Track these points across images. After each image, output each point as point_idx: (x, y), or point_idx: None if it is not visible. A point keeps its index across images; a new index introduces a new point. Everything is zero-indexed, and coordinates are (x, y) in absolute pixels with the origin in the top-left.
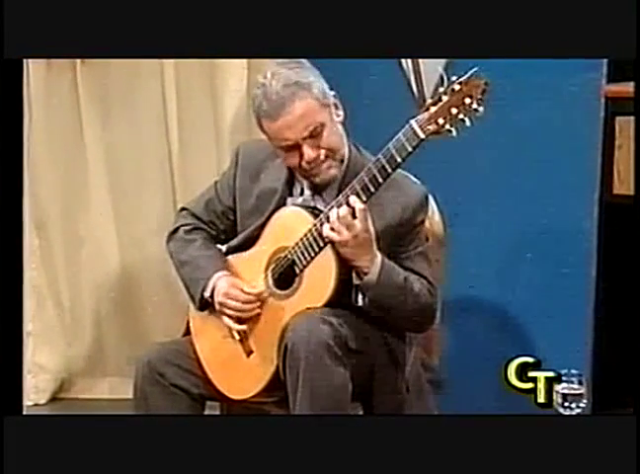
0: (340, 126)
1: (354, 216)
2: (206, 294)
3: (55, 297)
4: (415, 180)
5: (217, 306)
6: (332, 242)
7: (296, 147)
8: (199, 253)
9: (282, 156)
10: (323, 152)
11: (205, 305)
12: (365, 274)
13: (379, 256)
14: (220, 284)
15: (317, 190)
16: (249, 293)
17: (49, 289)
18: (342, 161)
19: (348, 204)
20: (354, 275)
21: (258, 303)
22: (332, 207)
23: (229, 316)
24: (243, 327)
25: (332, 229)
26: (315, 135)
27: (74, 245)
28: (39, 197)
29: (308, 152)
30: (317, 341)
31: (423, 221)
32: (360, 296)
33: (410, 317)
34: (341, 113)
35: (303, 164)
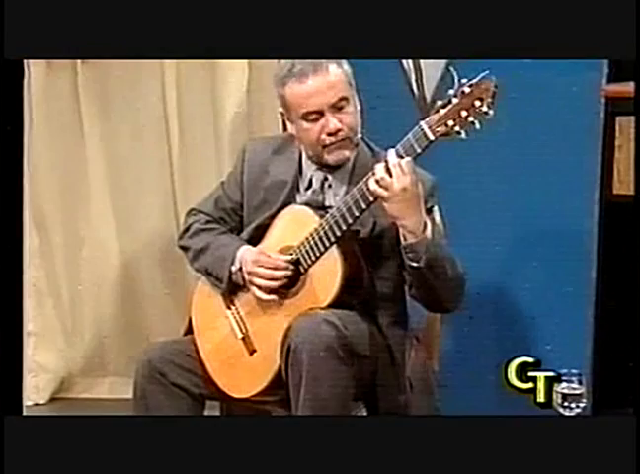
0: (358, 114)
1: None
2: (235, 267)
3: (55, 297)
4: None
5: (247, 276)
6: (379, 197)
7: (318, 117)
8: (218, 237)
9: (302, 130)
10: (345, 129)
11: (234, 283)
12: (415, 234)
13: (426, 217)
14: (248, 254)
15: (326, 175)
16: (279, 259)
17: (49, 289)
18: (356, 145)
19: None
20: (401, 237)
21: (288, 271)
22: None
23: (259, 286)
24: (273, 297)
25: (379, 184)
26: (339, 108)
27: (74, 245)
28: (39, 197)
29: (334, 122)
30: (320, 342)
31: (433, 206)
32: (414, 258)
33: (451, 287)
34: (358, 103)
35: (323, 136)
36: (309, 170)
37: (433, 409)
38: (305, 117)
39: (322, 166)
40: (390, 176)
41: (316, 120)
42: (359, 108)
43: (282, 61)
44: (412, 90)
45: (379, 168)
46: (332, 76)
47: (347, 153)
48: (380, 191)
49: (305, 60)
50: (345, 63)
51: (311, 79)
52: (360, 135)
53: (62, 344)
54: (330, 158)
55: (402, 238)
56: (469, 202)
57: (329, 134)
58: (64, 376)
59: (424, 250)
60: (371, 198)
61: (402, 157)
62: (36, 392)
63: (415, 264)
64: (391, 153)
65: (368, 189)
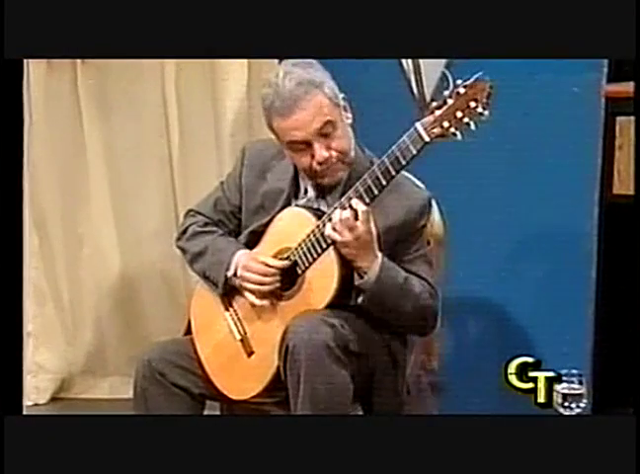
0: (349, 129)
1: (356, 218)
2: (230, 273)
3: (55, 297)
4: (419, 183)
5: (239, 281)
6: (334, 242)
7: (307, 147)
8: (215, 240)
9: (292, 157)
10: (335, 154)
11: (230, 287)
12: (367, 274)
13: (380, 256)
14: (242, 260)
15: (322, 191)
16: (271, 266)
17: (49, 289)
18: (350, 164)
19: (351, 207)
20: (355, 274)
21: (277, 277)
22: (335, 209)
23: (251, 291)
24: (265, 302)
25: (334, 229)
26: (326, 134)
27: (74, 245)
28: (39, 196)
29: (321, 152)
30: (318, 342)
31: (425, 225)
32: (360, 296)
33: (411, 319)
34: (350, 115)
35: (314, 165)
36: (305, 179)
37: (429, 412)
38: (292, 147)
39: (317, 185)
40: (343, 226)
41: (304, 150)
42: (349, 121)
43: (263, 90)
44: (412, 90)
45: (336, 214)
46: (315, 105)
47: (340, 174)
48: (334, 236)
49: (285, 91)
50: (327, 84)
51: (294, 114)
52: (353, 152)
53: (62, 344)
54: (324, 181)
55: (357, 277)
56: (469, 203)
57: (320, 163)
58: (64, 376)
59: (367, 290)
60: (367, 200)
61: (362, 197)
62: (36, 392)
63: (360, 301)
64: (338, 211)
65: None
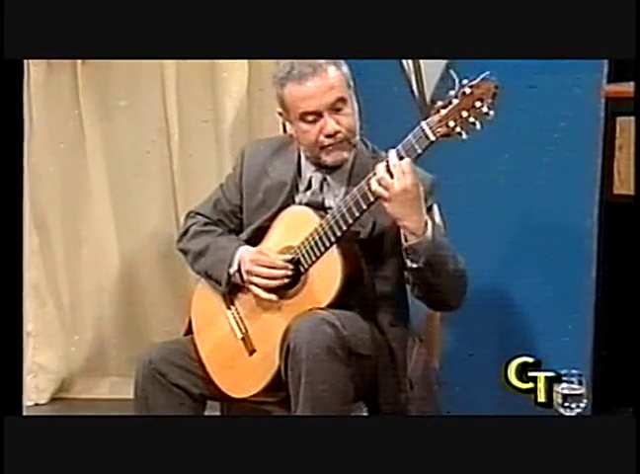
0: (356, 115)
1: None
2: (232, 269)
3: (55, 297)
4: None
5: (245, 276)
6: (380, 197)
7: (318, 118)
8: (216, 239)
9: (300, 132)
10: (344, 130)
11: (232, 284)
12: (416, 234)
13: (427, 217)
14: (246, 255)
15: (325, 176)
16: (277, 258)
17: (49, 289)
18: (355, 146)
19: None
20: (402, 237)
21: (286, 271)
22: (369, 179)
23: (257, 285)
24: (273, 296)
25: (379, 184)
26: (338, 109)
27: (74, 245)
28: (39, 196)
29: (331, 124)
30: (319, 342)
31: (432, 206)
32: (414, 260)
33: (456, 284)
34: (356, 104)
35: (321, 138)
36: (308, 171)
37: (433, 408)
38: (303, 118)
39: (320, 167)
40: (391, 177)
41: (314, 122)
42: (357, 109)
43: (281, 62)
44: (412, 90)
45: (380, 168)
46: (331, 78)
47: (345, 154)
48: (381, 191)
49: (304, 61)
50: (343, 65)
51: (310, 81)
52: (358, 136)
53: (62, 344)
54: (328, 159)
55: (403, 239)
56: (469, 203)
57: (327, 136)
58: (64, 377)
59: (424, 251)
60: (372, 199)
61: (402, 158)
62: (36, 392)
63: (415, 265)
64: (392, 154)
65: (369, 189)
